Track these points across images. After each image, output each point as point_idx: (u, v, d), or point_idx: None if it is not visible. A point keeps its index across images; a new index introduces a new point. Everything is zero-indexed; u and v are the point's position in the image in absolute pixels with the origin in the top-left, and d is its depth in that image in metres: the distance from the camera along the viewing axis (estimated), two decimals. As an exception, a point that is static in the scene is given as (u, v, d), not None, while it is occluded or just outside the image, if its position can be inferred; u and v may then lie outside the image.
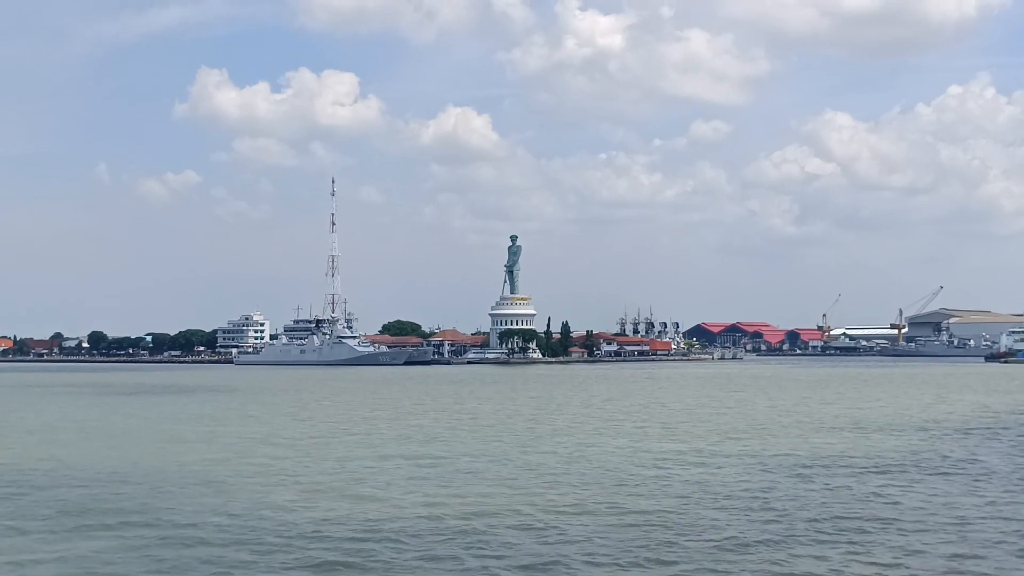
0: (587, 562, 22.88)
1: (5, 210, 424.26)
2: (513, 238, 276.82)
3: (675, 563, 22.76)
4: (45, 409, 75.87)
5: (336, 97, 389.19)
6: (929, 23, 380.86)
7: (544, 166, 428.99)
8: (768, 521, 27.12)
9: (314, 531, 26.26)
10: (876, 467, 37.97)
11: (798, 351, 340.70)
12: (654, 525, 26.72)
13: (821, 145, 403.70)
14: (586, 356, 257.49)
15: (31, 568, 22.88)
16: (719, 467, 38.09)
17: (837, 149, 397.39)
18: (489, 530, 26.22)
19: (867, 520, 27.27)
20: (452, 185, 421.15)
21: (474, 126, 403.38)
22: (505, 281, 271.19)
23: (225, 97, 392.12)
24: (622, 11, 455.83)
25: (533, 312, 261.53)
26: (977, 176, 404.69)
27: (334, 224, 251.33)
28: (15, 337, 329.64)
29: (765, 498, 30.70)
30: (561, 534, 25.69)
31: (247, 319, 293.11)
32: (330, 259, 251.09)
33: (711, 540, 24.89)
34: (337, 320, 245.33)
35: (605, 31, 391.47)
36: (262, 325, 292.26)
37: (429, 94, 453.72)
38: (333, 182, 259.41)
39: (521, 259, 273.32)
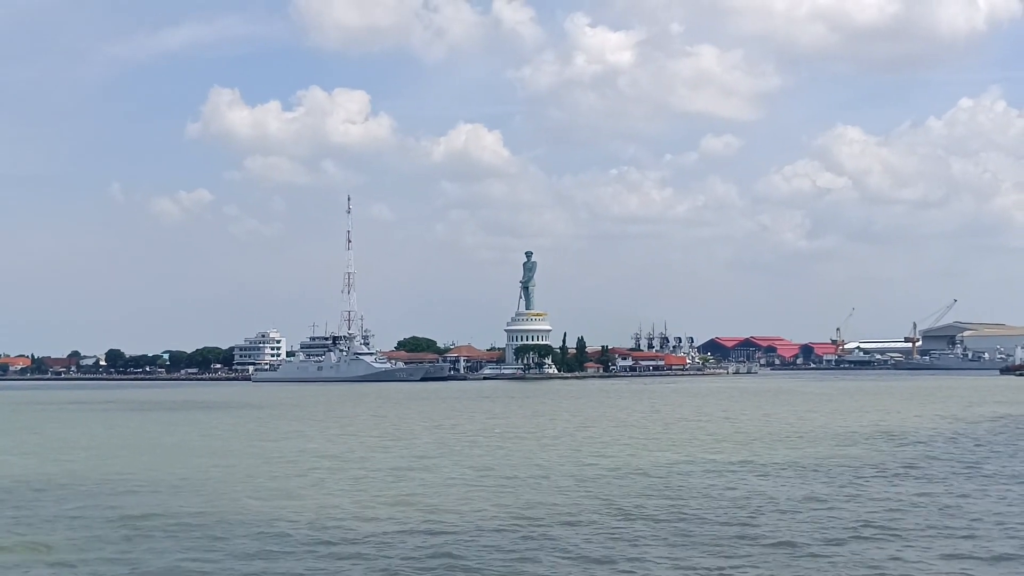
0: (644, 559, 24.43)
1: (21, 229, 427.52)
2: (528, 254, 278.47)
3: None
4: (86, 426, 77.68)
5: (347, 115, 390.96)
6: (939, 37, 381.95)
7: (555, 182, 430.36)
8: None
9: (383, 532, 27.81)
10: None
11: (812, 365, 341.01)
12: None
13: (832, 159, 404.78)
14: (602, 371, 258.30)
15: (103, 567, 24.44)
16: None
17: (848, 163, 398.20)
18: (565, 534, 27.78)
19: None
20: (463, 202, 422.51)
21: (485, 143, 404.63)
22: (520, 297, 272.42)
23: (237, 116, 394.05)
24: (631, 28, 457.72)
25: (549, 328, 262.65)
26: (989, 189, 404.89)
27: (350, 241, 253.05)
28: (33, 355, 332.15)
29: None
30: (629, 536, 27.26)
31: (263, 336, 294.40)
32: (346, 276, 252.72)
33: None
34: (354, 337, 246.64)
35: (615, 48, 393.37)
36: (278, 342, 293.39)
37: (440, 111, 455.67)
38: (349, 200, 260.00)
39: (535, 275, 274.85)
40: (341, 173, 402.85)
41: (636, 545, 26.14)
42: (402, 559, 24.85)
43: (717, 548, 25.59)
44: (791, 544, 25.88)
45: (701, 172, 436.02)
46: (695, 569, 23.56)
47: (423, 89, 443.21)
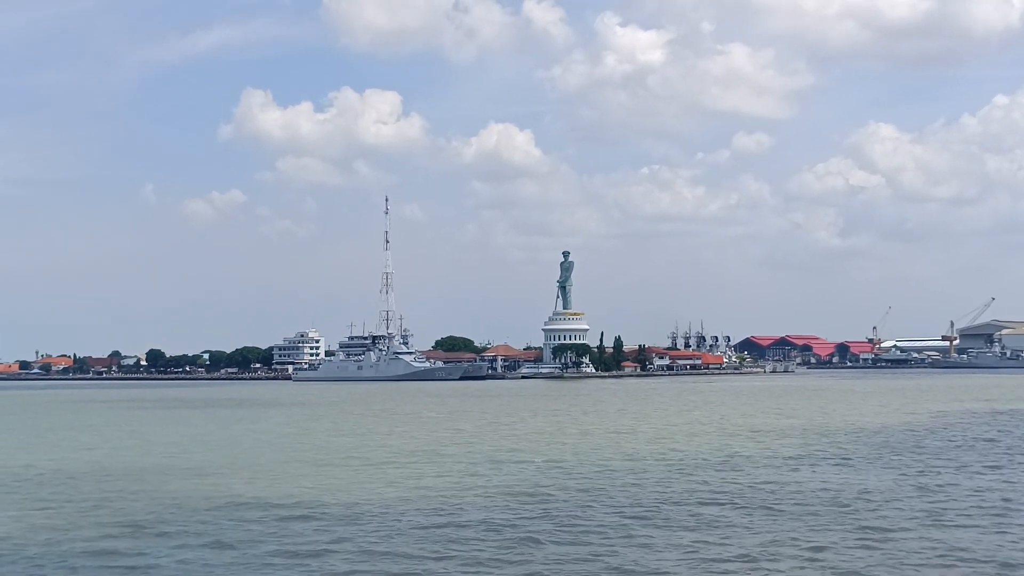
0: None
1: (59, 232, 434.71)
2: (565, 254, 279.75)
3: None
4: (165, 425, 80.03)
5: (379, 116, 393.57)
6: (972, 34, 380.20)
7: (587, 182, 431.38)
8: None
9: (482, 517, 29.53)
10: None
11: (848, 364, 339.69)
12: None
13: (865, 157, 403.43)
14: (639, 371, 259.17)
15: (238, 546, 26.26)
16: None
17: (881, 161, 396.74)
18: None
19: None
20: (495, 202, 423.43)
21: (516, 143, 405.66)
22: (558, 296, 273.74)
23: (269, 117, 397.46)
24: (662, 27, 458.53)
25: (586, 327, 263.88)
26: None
27: (388, 242, 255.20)
28: (75, 355, 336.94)
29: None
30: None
31: (303, 336, 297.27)
32: (384, 276, 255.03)
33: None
34: (393, 336, 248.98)
35: (645, 47, 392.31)
36: (317, 342, 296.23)
37: (471, 112, 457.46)
38: (387, 201, 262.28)
39: (571, 275, 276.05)
40: (373, 174, 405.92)
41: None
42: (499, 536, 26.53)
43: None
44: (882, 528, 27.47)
45: (733, 170, 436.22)
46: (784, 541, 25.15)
47: (454, 89, 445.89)
